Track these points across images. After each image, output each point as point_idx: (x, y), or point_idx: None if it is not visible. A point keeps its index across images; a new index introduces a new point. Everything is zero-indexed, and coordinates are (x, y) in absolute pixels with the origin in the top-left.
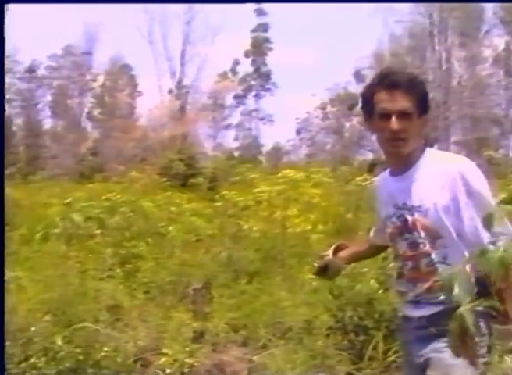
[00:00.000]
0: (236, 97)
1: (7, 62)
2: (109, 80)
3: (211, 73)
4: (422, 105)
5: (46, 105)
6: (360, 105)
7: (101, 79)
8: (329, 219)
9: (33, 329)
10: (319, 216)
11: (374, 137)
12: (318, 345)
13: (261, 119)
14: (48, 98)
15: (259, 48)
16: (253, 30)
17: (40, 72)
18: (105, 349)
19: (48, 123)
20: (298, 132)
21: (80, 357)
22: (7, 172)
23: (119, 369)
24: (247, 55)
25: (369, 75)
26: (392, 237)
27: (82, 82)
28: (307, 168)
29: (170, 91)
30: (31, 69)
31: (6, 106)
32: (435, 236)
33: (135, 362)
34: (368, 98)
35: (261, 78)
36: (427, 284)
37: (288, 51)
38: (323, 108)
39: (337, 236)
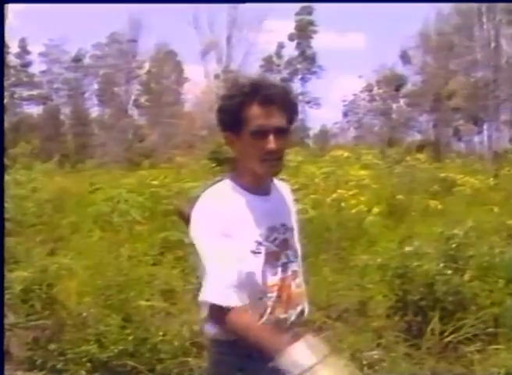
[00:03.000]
0: (282, 80)
1: (55, 52)
2: (155, 66)
3: (258, 58)
4: (293, 119)
5: (93, 94)
6: (225, 117)
7: (146, 66)
8: (381, 200)
9: (85, 314)
10: (371, 198)
11: (421, 118)
12: (375, 326)
13: (308, 102)
14: (95, 86)
15: (304, 31)
16: (297, 13)
17: (86, 61)
18: (161, 333)
19: (95, 112)
20: (345, 114)
21: (137, 341)
22: (55, 160)
23: (176, 352)
24: (291, 38)
25: (416, 55)
26: (264, 267)
27: (128, 69)
28: (355, 150)
29: (217, 76)
30: (77, 59)
31: (54, 96)
32: (297, 256)
33: (191, 345)
34: (237, 112)
35: (307, 61)
36: (299, 307)
37: (333, 33)
38: (370, 89)
39: (390, 217)
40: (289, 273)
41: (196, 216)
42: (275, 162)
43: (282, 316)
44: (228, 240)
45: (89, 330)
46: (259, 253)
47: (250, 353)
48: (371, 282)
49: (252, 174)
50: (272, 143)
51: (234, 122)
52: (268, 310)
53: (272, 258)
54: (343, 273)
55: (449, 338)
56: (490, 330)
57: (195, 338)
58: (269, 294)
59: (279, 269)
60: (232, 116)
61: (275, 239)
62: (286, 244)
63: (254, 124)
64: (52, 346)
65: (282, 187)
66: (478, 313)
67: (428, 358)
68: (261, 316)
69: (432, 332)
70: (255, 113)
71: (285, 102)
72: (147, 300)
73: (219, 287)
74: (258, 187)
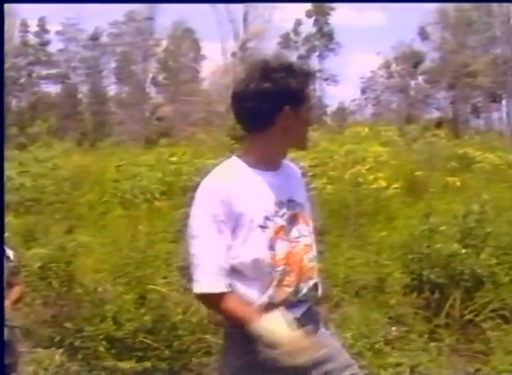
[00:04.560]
0: (299, 57)
1: (72, 30)
2: (172, 44)
3: (274, 35)
4: None
5: (110, 72)
6: (287, 97)
7: (164, 44)
8: (400, 177)
9: (102, 291)
10: (389, 175)
11: (440, 95)
12: (393, 303)
13: (326, 79)
14: (112, 64)
15: (321, 8)
16: None
17: (104, 39)
18: (179, 310)
19: (112, 90)
20: (363, 91)
21: (154, 318)
22: (73, 138)
23: (194, 329)
24: (309, 15)
25: (434, 32)
26: (272, 241)
27: (145, 47)
28: (373, 127)
29: (234, 54)
30: (95, 37)
31: (72, 74)
32: (309, 231)
33: (209, 322)
34: (301, 90)
35: (324, 38)
36: (312, 281)
37: (351, 9)
38: (388, 66)
39: (409, 194)
40: (302, 246)
41: (199, 194)
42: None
43: (292, 288)
44: (222, 223)
45: (106, 308)
46: (267, 228)
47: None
48: (389, 259)
49: (268, 150)
50: (312, 117)
51: (299, 98)
52: (275, 282)
53: (281, 233)
54: (362, 249)
55: (467, 316)
56: (509, 307)
57: (213, 315)
58: (277, 268)
59: (289, 243)
60: (300, 93)
61: (283, 214)
62: (296, 219)
63: (311, 101)
64: (69, 324)
65: (290, 165)
66: (497, 290)
67: (445, 334)
68: (267, 288)
69: (451, 309)
70: (309, 91)
71: None
72: (165, 277)
73: (209, 274)
74: (268, 163)
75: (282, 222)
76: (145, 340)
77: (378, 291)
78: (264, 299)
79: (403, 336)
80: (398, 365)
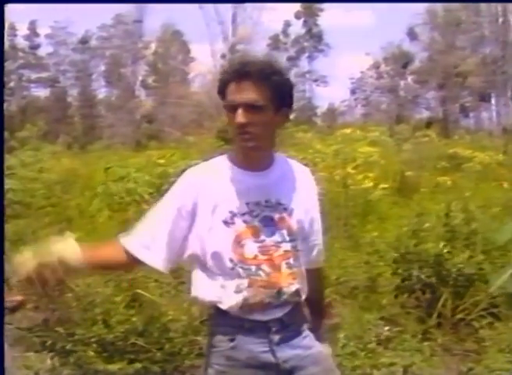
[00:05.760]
0: (289, 59)
1: (61, 34)
2: (161, 47)
3: (263, 36)
4: (279, 97)
5: (100, 75)
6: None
7: (153, 46)
8: (391, 177)
9: (93, 295)
10: (380, 175)
11: (429, 95)
12: (385, 303)
13: (315, 80)
14: (102, 67)
15: (310, 9)
16: None
17: (93, 43)
18: (170, 312)
19: (102, 93)
20: (353, 92)
21: (145, 320)
22: (62, 141)
23: (186, 331)
24: (297, 16)
25: (423, 32)
26: (240, 239)
27: (134, 50)
28: (363, 127)
29: (223, 56)
30: (84, 40)
31: (61, 78)
32: (294, 237)
33: (201, 324)
34: (222, 89)
35: (314, 39)
36: (294, 287)
37: (340, 10)
38: (377, 67)
39: (400, 194)
40: (281, 252)
41: (175, 183)
42: (246, 136)
43: (269, 290)
44: (180, 215)
45: (97, 311)
46: (232, 224)
47: (242, 324)
48: (381, 259)
49: (239, 149)
50: (239, 117)
51: (222, 98)
52: (245, 282)
53: (252, 233)
54: (353, 250)
55: (459, 315)
56: (501, 305)
57: (205, 317)
58: (246, 266)
59: (262, 247)
60: (219, 93)
61: (257, 215)
62: (279, 223)
63: (228, 99)
64: (60, 328)
65: (289, 166)
66: (488, 289)
67: (437, 334)
68: (238, 288)
69: (442, 308)
70: (231, 89)
71: (263, 79)
72: (156, 280)
73: (138, 237)
74: (248, 162)
75: (255, 222)
76: (137, 342)
77: (371, 291)
78: (238, 299)
79: (395, 336)
80: (391, 365)
